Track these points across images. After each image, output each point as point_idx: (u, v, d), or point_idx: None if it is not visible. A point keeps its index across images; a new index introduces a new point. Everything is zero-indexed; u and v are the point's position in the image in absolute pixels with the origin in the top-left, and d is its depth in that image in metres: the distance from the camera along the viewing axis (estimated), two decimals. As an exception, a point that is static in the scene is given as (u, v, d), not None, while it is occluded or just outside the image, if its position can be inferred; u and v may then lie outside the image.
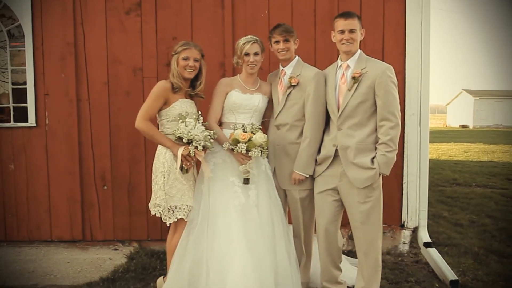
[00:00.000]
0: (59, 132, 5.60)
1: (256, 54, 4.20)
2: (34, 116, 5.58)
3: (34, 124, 5.60)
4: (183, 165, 4.02)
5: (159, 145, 4.18)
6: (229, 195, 4.09)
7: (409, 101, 5.38)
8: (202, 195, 4.15)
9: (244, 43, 4.19)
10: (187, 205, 4.11)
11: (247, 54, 4.19)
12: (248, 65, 4.22)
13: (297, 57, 4.31)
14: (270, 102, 4.41)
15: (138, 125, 4.08)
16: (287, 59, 4.26)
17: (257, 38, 4.23)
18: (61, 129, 5.59)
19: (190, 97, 4.29)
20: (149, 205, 4.24)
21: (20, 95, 5.63)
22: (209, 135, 3.95)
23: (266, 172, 4.27)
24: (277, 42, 4.21)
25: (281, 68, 4.33)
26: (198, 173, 4.32)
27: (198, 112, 4.13)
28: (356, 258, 4.21)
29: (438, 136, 28.50)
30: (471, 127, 48.50)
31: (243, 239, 3.94)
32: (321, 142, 4.15)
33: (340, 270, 4.28)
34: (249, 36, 4.24)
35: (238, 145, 3.97)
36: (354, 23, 3.93)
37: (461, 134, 32.30)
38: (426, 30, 5.35)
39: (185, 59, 4.13)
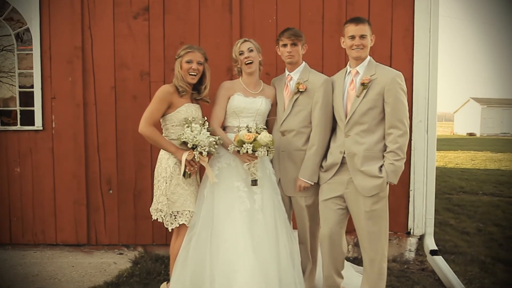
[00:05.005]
0: (66, 135, 5.61)
1: (250, 50, 4.18)
2: (40, 120, 5.61)
3: (41, 128, 5.62)
4: (186, 170, 4.01)
5: (161, 150, 4.15)
6: (234, 200, 4.05)
7: (417, 108, 5.36)
8: (204, 200, 4.11)
9: (237, 45, 4.23)
10: (189, 211, 4.08)
11: (241, 53, 4.18)
12: (245, 63, 4.19)
13: (304, 62, 4.28)
14: (273, 106, 4.37)
15: (142, 130, 4.04)
16: (294, 63, 4.22)
17: (249, 39, 4.26)
18: (68, 133, 5.61)
19: (196, 101, 4.28)
20: (150, 209, 4.23)
21: (27, 98, 5.66)
22: (214, 141, 3.93)
23: (270, 177, 4.23)
24: (285, 45, 4.18)
25: (287, 73, 4.30)
26: (201, 178, 4.30)
27: (204, 118, 4.11)
28: (362, 265, 4.16)
29: (445, 144, 28.43)
30: (478, 135, 48.35)
31: (250, 244, 3.90)
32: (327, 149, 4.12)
33: (342, 277, 4.24)
34: (241, 39, 4.30)
35: (244, 145, 3.92)
36: (365, 29, 3.88)
37: (468, 142, 32.21)
38: (435, 37, 5.33)
39: (188, 62, 4.11)
